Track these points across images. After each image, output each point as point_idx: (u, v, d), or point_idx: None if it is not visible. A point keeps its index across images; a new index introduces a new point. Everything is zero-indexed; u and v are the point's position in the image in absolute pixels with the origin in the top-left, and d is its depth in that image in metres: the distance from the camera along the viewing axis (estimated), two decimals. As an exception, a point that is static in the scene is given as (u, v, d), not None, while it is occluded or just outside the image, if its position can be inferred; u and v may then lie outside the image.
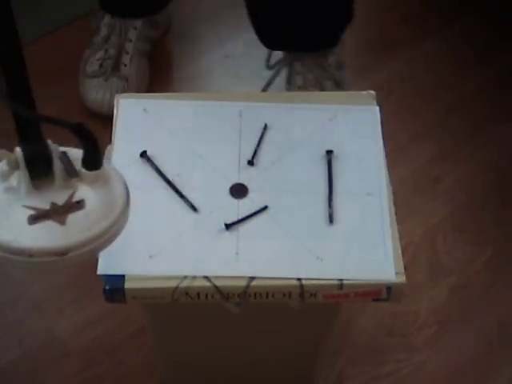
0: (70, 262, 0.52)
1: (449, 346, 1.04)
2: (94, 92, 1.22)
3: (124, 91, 1.18)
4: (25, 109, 0.50)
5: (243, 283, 0.65)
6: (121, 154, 0.73)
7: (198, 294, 0.66)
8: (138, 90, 1.21)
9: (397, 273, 0.66)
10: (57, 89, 1.28)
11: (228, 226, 0.68)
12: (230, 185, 0.71)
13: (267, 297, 0.66)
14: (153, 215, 0.69)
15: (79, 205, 0.54)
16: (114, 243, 0.66)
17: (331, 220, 0.69)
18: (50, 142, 0.54)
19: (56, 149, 0.54)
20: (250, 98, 0.78)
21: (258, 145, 0.74)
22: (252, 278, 0.65)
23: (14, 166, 0.54)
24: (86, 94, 1.23)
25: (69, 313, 1.05)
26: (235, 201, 0.70)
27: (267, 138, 0.75)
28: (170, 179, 0.71)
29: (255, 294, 0.66)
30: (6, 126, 1.32)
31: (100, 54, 1.24)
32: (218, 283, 0.65)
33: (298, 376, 0.96)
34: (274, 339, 0.82)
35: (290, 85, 1.20)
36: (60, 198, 0.54)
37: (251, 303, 0.67)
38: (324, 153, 0.74)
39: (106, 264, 0.66)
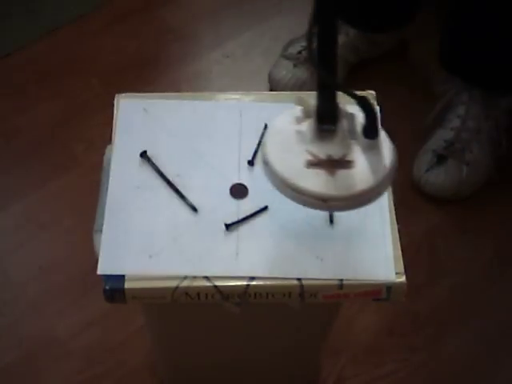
0: (328, 209, 0.62)
1: (449, 346, 1.04)
2: (277, 69, 1.27)
3: (305, 83, 1.24)
4: (328, 75, 0.59)
5: (243, 283, 0.65)
6: (121, 153, 0.73)
7: (198, 294, 0.66)
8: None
9: (397, 273, 0.66)
10: (57, 89, 1.28)
11: (228, 226, 0.68)
12: (230, 185, 0.71)
13: (267, 297, 0.66)
14: (153, 215, 0.69)
15: (350, 164, 0.61)
16: (113, 243, 0.67)
17: (331, 220, 0.69)
18: (341, 103, 0.61)
19: (345, 110, 0.61)
20: (249, 98, 0.78)
21: (258, 145, 0.74)
22: (252, 278, 0.65)
23: (307, 115, 0.62)
24: (272, 68, 1.28)
25: (69, 313, 1.05)
26: (235, 201, 0.70)
27: (267, 137, 0.75)
28: (170, 179, 0.71)
29: (255, 294, 0.66)
30: (6, 125, 1.32)
31: (305, 43, 1.26)
32: (218, 283, 0.65)
33: (298, 376, 0.96)
34: (273, 339, 0.82)
35: (449, 112, 1.20)
36: (336, 153, 0.61)
37: (251, 303, 0.67)
38: (324, 153, 0.74)
39: (106, 264, 0.66)
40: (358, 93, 0.59)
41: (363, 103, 0.59)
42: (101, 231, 0.67)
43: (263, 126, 0.75)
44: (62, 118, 1.25)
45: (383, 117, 0.76)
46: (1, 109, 1.27)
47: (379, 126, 0.62)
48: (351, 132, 0.62)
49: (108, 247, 0.66)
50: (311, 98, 0.62)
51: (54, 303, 1.06)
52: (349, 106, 0.62)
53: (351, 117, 0.62)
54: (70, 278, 1.08)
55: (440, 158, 1.16)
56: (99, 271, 0.65)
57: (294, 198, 0.61)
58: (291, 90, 1.24)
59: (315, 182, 0.60)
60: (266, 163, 0.62)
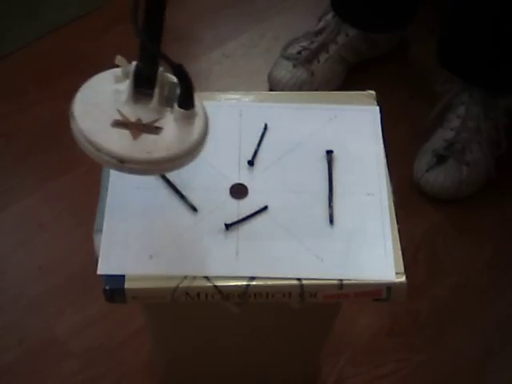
0: (124, 170, 0.60)
1: (449, 346, 1.04)
2: (277, 70, 1.27)
3: (305, 83, 1.25)
4: (150, 39, 0.60)
5: (243, 283, 0.65)
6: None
7: (198, 294, 0.66)
8: (319, 88, 1.25)
9: (397, 273, 0.66)
10: (57, 89, 1.28)
11: (228, 226, 0.68)
12: (230, 185, 0.71)
13: (267, 297, 0.66)
14: (153, 215, 0.69)
15: (156, 130, 0.60)
16: (113, 243, 0.67)
17: (331, 220, 0.69)
18: (162, 70, 0.61)
19: (165, 77, 0.61)
20: (249, 98, 0.78)
21: (258, 145, 0.74)
22: (252, 278, 0.65)
23: (126, 75, 0.62)
24: (272, 68, 1.28)
25: (69, 313, 1.05)
26: (235, 201, 0.70)
27: (267, 137, 0.75)
28: (170, 179, 0.71)
29: (255, 294, 0.66)
30: (6, 125, 1.32)
31: (305, 43, 1.28)
32: (218, 283, 0.65)
33: (298, 376, 0.96)
34: (273, 339, 0.82)
35: (449, 112, 1.20)
36: (146, 117, 0.60)
37: (251, 303, 0.67)
38: (324, 153, 0.74)
39: (106, 264, 0.66)
40: (174, 61, 0.58)
41: (178, 71, 0.58)
42: (101, 231, 0.67)
43: (263, 125, 0.75)
44: (62, 117, 1.24)
45: (383, 117, 0.77)
46: (1, 109, 1.27)
47: (194, 97, 0.61)
48: (169, 100, 0.61)
49: (108, 247, 0.66)
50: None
51: (54, 303, 1.06)
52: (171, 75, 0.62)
53: (172, 85, 0.61)
54: (69, 278, 1.08)
55: (440, 158, 1.16)
56: (99, 271, 0.65)
57: (93, 156, 0.60)
58: (291, 90, 1.24)
59: (116, 141, 0.59)
60: (72, 115, 0.61)
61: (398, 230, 0.69)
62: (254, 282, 0.65)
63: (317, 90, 1.23)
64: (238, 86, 1.29)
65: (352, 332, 1.05)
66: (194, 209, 0.69)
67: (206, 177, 0.72)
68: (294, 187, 0.71)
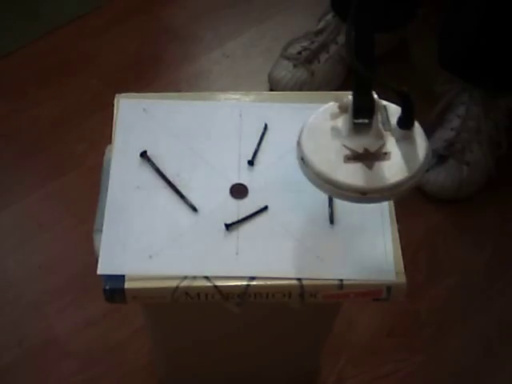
0: (366, 201, 0.62)
1: (449, 346, 1.04)
2: (277, 70, 1.27)
3: (305, 83, 1.25)
4: (365, 69, 0.60)
5: (243, 283, 0.65)
6: (121, 153, 0.73)
7: (198, 294, 0.66)
8: (319, 89, 1.25)
9: (397, 273, 0.66)
10: (57, 89, 1.28)
11: (228, 226, 0.68)
12: (230, 185, 0.71)
13: (267, 297, 0.66)
14: (153, 215, 0.69)
15: (386, 156, 0.62)
16: (113, 243, 0.67)
17: (331, 220, 0.69)
18: (375, 95, 0.63)
19: (379, 102, 0.63)
20: (249, 98, 0.78)
21: (258, 145, 0.74)
22: (252, 278, 0.65)
23: (343, 110, 0.64)
24: (272, 68, 1.28)
25: (69, 313, 1.05)
26: (235, 201, 0.70)
27: (267, 138, 0.75)
28: (170, 179, 0.71)
29: (255, 294, 0.66)
30: (6, 125, 1.32)
31: (305, 43, 1.28)
32: (218, 283, 0.65)
33: (298, 376, 0.96)
34: (273, 339, 0.82)
35: (449, 112, 1.20)
36: (372, 146, 0.63)
37: (251, 303, 0.67)
38: (324, 153, 0.74)
39: (106, 264, 0.66)
40: (397, 87, 0.61)
41: (402, 95, 0.60)
42: (101, 231, 0.67)
43: (263, 125, 0.75)
44: (62, 118, 1.25)
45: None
46: (1, 109, 1.27)
47: (414, 117, 0.63)
48: (385, 124, 0.63)
49: (108, 247, 0.66)
50: (347, 95, 0.64)
51: (54, 303, 1.06)
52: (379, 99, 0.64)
53: (384, 109, 0.63)
54: (69, 278, 1.08)
55: (440, 158, 1.16)
56: (99, 271, 0.65)
57: (332, 193, 0.62)
58: (291, 90, 1.24)
59: (354, 175, 0.61)
60: (302, 159, 0.63)
61: (398, 230, 0.69)
62: (253, 282, 0.65)
63: (317, 90, 1.23)
64: (238, 86, 1.29)
65: (352, 332, 1.05)
66: (194, 209, 0.69)
67: (206, 177, 0.72)
68: (294, 187, 0.71)
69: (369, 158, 0.62)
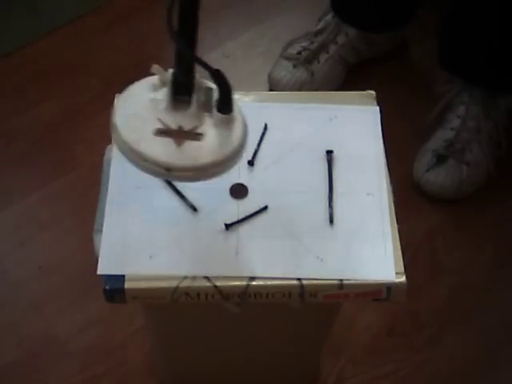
0: (171, 178, 0.62)
1: (449, 346, 1.04)
2: (277, 70, 1.27)
3: (305, 84, 1.25)
4: (186, 44, 0.58)
5: (243, 283, 0.65)
6: (121, 154, 0.72)
7: (198, 294, 0.66)
8: (319, 89, 1.25)
9: (397, 273, 0.66)
10: (57, 89, 1.28)
11: (228, 226, 0.68)
12: (230, 185, 0.71)
13: (267, 297, 0.66)
14: (153, 215, 0.69)
15: (198, 136, 0.61)
16: (113, 243, 0.67)
17: (331, 220, 0.69)
18: (198, 76, 0.61)
19: (201, 82, 0.62)
20: (249, 98, 0.78)
21: (258, 145, 0.74)
22: (252, 278, 0.65)
23: (163, 83, 0.62)
24: (272, 68, 1.28)
25: (69, 313, 1.05)
26: (235, 201, 0.70)
27: (267, 137, 0.75)
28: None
29: (255, 294, 0.66)
30: (6, 126, 1.32)
31: (305, 43, 1.28)
32: (218, 283, 0.65)
33: (298, 376, 0.96)
34: (273, 339, 0.82)
35: (449, 112, 1.20)
36: (187, 124, 0.61)
37: (251, 303, 0.67)
38: (324, 153, 0.74)
39: (106, 264, 0.66)
40: (212, 66, 0.58)
41: (217, 76, 0.59)
42: (101, 231, 0.67)
43: (263, 125, 0.75)
44: (62, 118, 1.25)
45: (383, 117, 0.77)
46: (1, 109, 1.27)
47: (233, 101, 0.61)
48: (207, 106, 0.61)
49: (108, 247, 0.66)
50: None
51: (54, 303, 1.06)
52: (207, 81, 0.62)
53: (209, 90, 0.62)
54: (69, 277, 1.08)
55: (440, 158, 1.16)
56: (99, 271, 0.65)
57: (138, 165, 0.60)
58: (291, 90, 1.24)
59: (161, 150, 0.59)
60: (113, 127, 0.61)
61: (398, 230, 0.69)
62: (254, 282, 0.65)
63: (317, 90, 1.23)
64: (238, 86, 1.28)
65: (352, 332, 1.05)
66: (194, 209, 0.69)
67: (206, 177, 0.71)
68: (294, 187, 0.71)
69: (180, 135, 0.60)
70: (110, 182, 0.70)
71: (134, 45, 1.36)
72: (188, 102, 0.61)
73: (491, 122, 1.17)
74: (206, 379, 0.94)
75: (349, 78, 1.29)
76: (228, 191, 0.71)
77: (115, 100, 0.65)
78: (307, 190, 0.71)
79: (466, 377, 1.02)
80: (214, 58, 1.34)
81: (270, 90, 1.26)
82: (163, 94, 0.62)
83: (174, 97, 0.61)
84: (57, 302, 1.06)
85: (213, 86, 0.61)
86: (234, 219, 0.68)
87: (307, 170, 0.73)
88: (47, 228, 1.13)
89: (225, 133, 0.61)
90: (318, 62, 1.26)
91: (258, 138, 0.74)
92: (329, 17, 1.28)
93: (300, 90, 1.24)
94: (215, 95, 0.61)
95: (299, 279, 0.66)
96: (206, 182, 0.71)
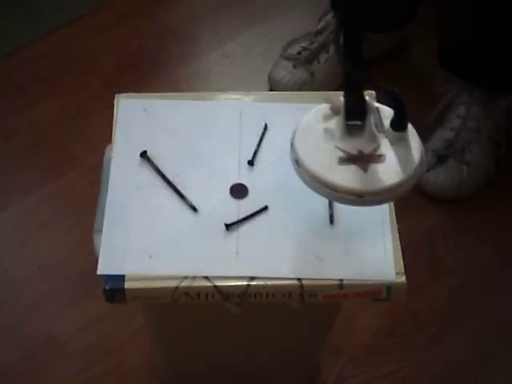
0: (363, 204, 0.62)
1: (449, 346, 1.04)
2: (277, 70, 1.27)
3: (305, 84, 1.25)
4: (356, 71, 0.59)
5: (243, 283, 0.65)
6: (121, 153, 0.73)
7: (198, 294, 0.66)
8: (319, 89, 1.24)
9: (397, 273, 0.66)
10: (57, 89, 1.28)
11: (228, 226, 0.68)
12: (230, 185, 0.71)
13: (267, 297, 0.66)
14: (153, 215, 0.69)
15: (381, 158, 0.62)
16: (113, 243, 0.67)
17: (331, 220, 0.69)
18: (367, 97, 0.63)
19: (371, 104, 0.63)
20: (250, 98, 0.78)
21: (258, 145, 0.74)
22: (252, 278, 0.65)
23: (335, 112, 0.63)
24: (272, 68, 1.28)
25: (69, 313, 1.05)
26: (235, 201, 0.70)
27: (267, 138, 0.75)
28: (170, 179, 0.71)
29: (255, 294, 0.66)
30: (6, 125, 1.32)
31: (305, 43, 1.28)
32: (218, 283, 0.65)
33: (298, 376, 0.96)
34: (273, 339, 0.82)
35: (449, 112, 1.20)
36: (366, 148, 0.62)
37: (251, 303, 0.67)
38: (324, 153, 0.74)
39: (106, 264, 0.66)
40: (387, 87, 0.60)
41: (393, 96, 0.60)
42: (101, 231, 0.67)
43: (263, 125, 0.75)
44: (61, 118, 1.25)
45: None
46: (1, 109, 1.27)
47: (407, 118, 0.62)
48: (378, 126, 0.63)
49: (108, 247, 0.66)
50: (338, 95, 0.64)
51: (54, 303, 1.06)
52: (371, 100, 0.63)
53: (377, 110, 0.63)
54: (69, 277, 1.08)
55: (440, 158, 1.16)
56: (99, 271, 0.65)
57: (329, 196, 0.62)
58: (291, 90, 1.24)
59: (351, 177, 0.61)
60: (297, 163, 0.63)
61: (398, 230, 0.69)
62: (254, 282, 0.65)
63: (317, 91, 1.23)
64: (238, 87, 1.29)
65: (352, 332, 1.05)
66: (194, 209, 0.69)
67: (206, 177, 0.72)
68: (294, 187, 0.71)
69: (363, 160, 0.62)
70: (110, 182, 0.70)
71: (133, 45, 1.36)
72: (359, 126, 0.63)
73: (491, 122, 1.17)
74: (206, 379, 0.94)
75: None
76: (228, 191, 0.71)
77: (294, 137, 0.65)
78: (307, 189, 0.71)
79: (466, 377, 1.02)
80: (213, 59, 1.34)
81: (270, 90, 1.26)
82: (335, 123, 0.63)
83: (347, 123, 0.63)
84: (57, 302, 1.06)
85: (378, 104, 0.63)
86: (234, 219, 0.68)
87: (307, 170, 0.73)
88: (47, 228, 1.13)
89: (404, 150, 0.62)
90: (318, 62, 1.26)
91: (258, 138, 0.74)
92: (329, 17, 1.28)
93: (300, 89, 1.24)
94: (384, 114, 0.63)
95: (299, 279, 0.66)
96: (206, 181, 0.71)
